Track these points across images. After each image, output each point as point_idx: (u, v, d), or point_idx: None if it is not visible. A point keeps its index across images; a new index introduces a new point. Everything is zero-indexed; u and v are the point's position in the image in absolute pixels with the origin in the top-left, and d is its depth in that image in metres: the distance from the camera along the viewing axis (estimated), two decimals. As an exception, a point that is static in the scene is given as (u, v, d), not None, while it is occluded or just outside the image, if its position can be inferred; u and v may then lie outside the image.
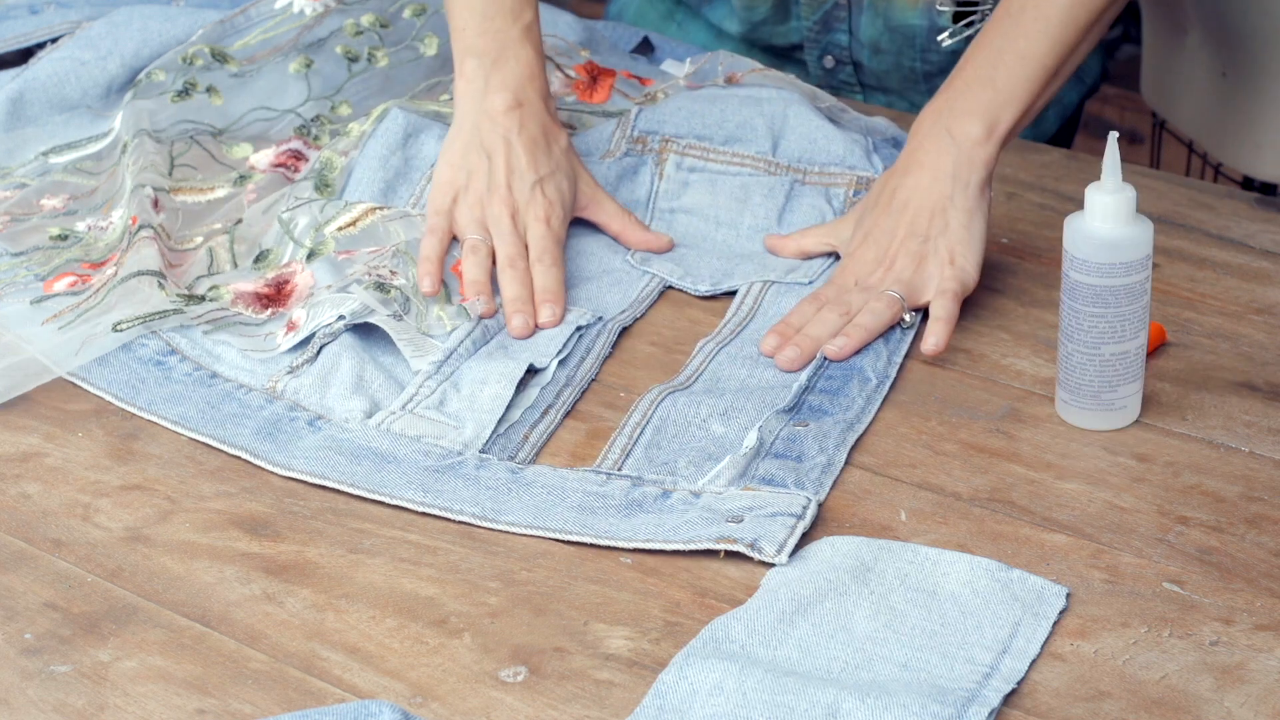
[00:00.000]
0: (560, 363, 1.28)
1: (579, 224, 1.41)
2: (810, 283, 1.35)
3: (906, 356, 1.29)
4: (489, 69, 1.38)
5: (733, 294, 1.35)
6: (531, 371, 1.26)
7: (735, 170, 1.43)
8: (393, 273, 1.31)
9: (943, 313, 1.28)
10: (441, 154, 1.39)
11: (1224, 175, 1.91)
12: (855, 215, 1.36)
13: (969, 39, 1.55)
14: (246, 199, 1.43)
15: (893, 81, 1.61)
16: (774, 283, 1.35)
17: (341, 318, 1.28)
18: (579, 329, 1.30)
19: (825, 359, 1.26)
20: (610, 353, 1.30)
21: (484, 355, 1.27)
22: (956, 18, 1.52)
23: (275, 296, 1.33)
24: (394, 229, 1.36)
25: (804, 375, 1.24)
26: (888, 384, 1.25)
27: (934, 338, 1.27)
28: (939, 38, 1.54)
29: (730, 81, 1.54)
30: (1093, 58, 1.70)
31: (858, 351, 1.26)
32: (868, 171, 1.44)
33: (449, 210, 1.37)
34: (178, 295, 1.31)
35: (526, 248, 1.36)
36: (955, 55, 1.60)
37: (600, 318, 1.32)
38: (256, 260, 1.37)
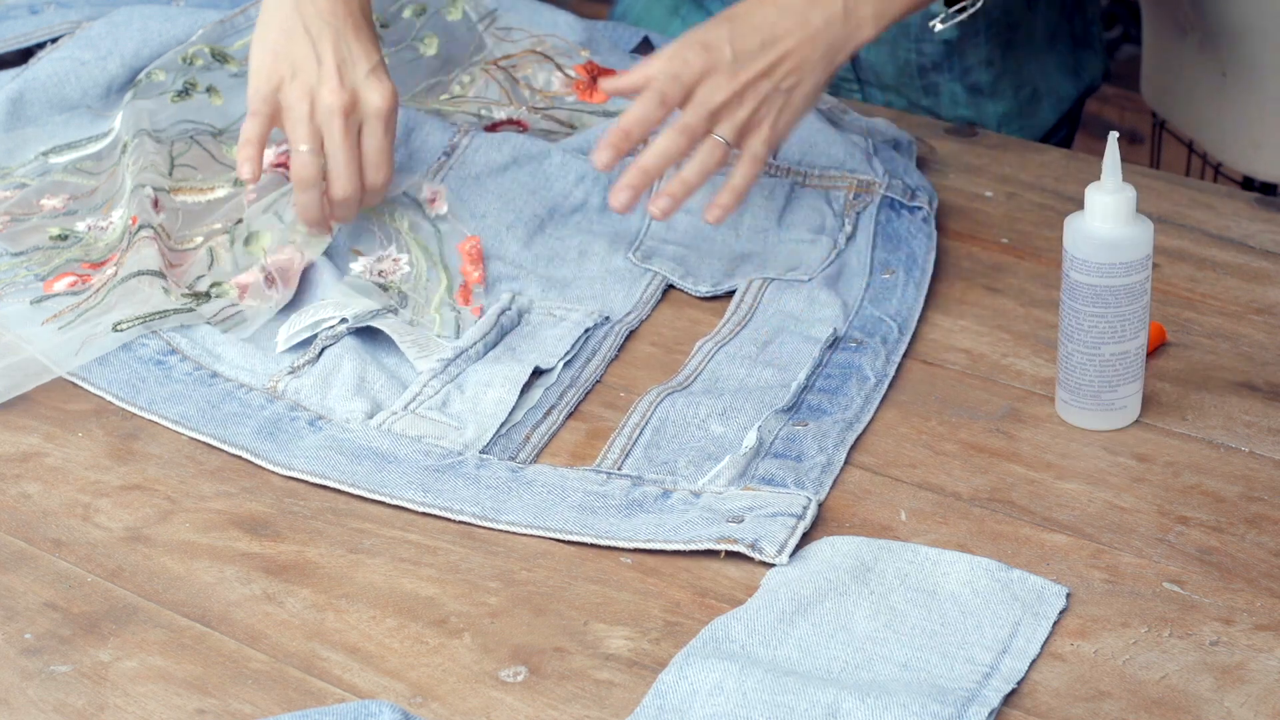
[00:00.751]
0: (565, 364, 1.28)
1: (580, 224, 1.41)
2: (809, 280, 1.35)
3: (906, 356, 1.29)
4: None
5: (732, 294, 1.35)
6: (537, 373, 1.26)
7: (735, 171, 1.43)
8: (395, 260, 1.31)
9: (741, 183, 1.30)
10: (255, 36, 1.33)
11: (1224, 175, 1.91)
12: (713, 21, 1.32)
13: (961, 24, 1.55)
14: (246, 199, 1.43)
15: (889, 75, 1.61)
16: (773, 280, 1.35)
17: (344, 320, 1.28)
18: (586, 330, 1.30)
19: (823, 358, 1.26)
20: (615, 355, 1.30)
21: (491, 359, 1.27)
22: (949, 2, 1.53)
23: (278, 279, 1.33)
24: (394, 211, 1.36)
25: (802, 375, 1.24)
26: (886, 383, 1.25)
27: (719, 210, 1.30)
28: (931, 23, 1.54)
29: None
30: (1094, 57, 1.70)
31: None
32: (868, 175, 1.44)
33: (272, 95, 1.32)
34: (184, 296, 1.31)
35: (359, 156, 1.33)
36: (949, 45, 1.61)
37: (607, 318, 1.32)
38: (246, 242, 1.37)
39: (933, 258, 1.37)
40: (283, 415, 1.22)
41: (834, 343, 1.28)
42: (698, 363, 1.28)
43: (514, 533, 1.13)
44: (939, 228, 1.43)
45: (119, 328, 1.28)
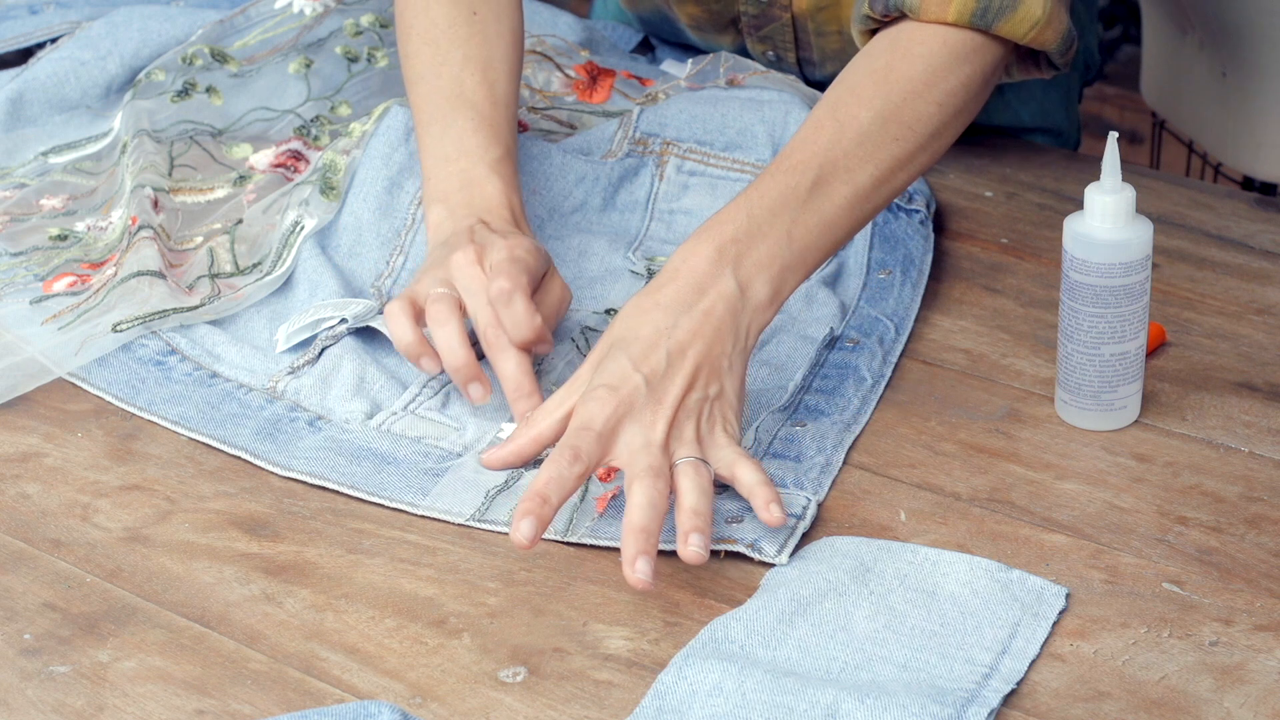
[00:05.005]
0: (567, 364, 1.27)
1: (580, 224, 1.41)
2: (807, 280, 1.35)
3: (905, 356, 1.29)
4: (454, 207, 1.29)
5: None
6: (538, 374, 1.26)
7: (735, 176, 1.43)
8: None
9: (762, 477, 1.11)
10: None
11: (1224, 175, 1.91)
12: (602, 348, 1.16)
13: None
14: (246, 199, 1.43)
15: None
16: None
17: (344, 321, 1.28)
18: (585, 330, 1.30)
19: (820, 358, 1.26)
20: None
21: None
22: None
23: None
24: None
25: (799, 375, 1.24)
26: (883, 383, 1.25)
27: (777, 509, 1.09)
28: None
29: (731, 84, 1.54)
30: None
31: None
32: None
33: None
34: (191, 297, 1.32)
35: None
36: None
37: (610, 310, 1.32)
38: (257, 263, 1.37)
39: (929, 258, 1.37)
40: (282, 416, 1.22)
41: (831, 343, 1.28)
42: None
43: (513, 533, 1.13)
44: (939, 228, 1.43)
45: (119, 328, 1.28)
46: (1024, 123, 1.60)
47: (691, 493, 1.09)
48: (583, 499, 1.14)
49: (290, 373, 1.26)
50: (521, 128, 1.51)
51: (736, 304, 1.16)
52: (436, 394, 1.24)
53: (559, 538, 1.12)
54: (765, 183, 1.20)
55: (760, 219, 1.18)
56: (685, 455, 1.11)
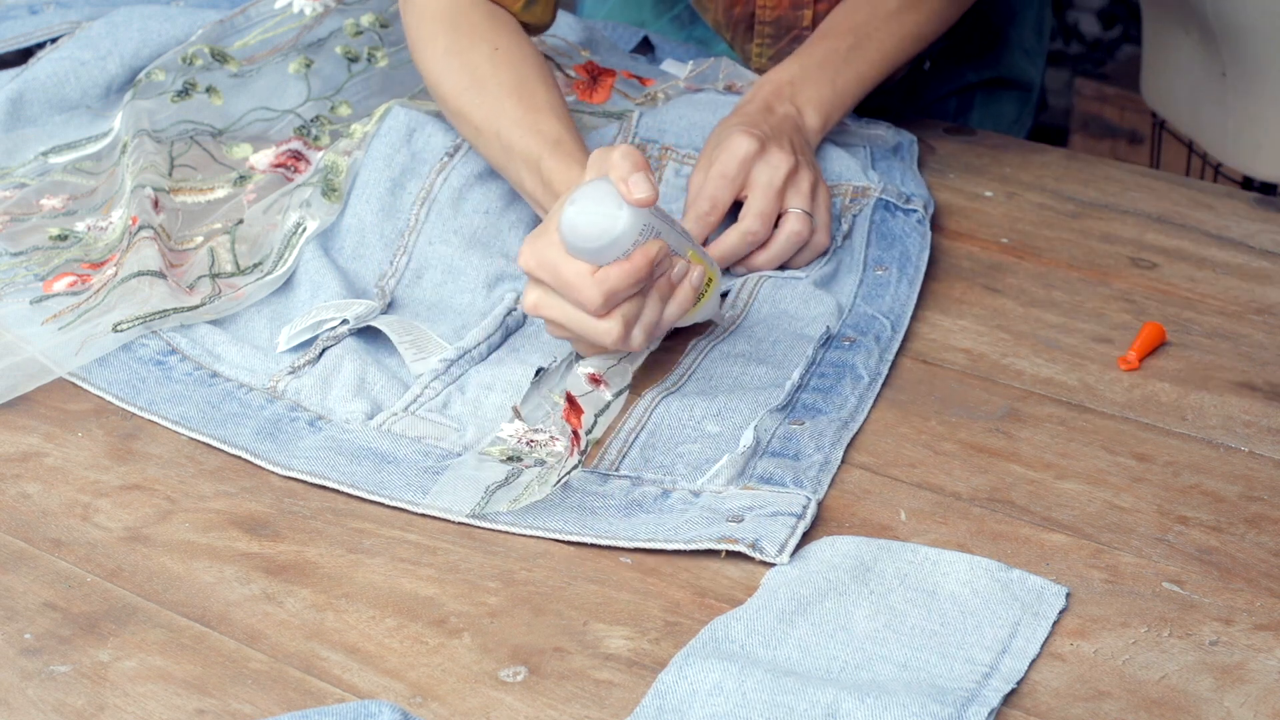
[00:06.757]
0: (568, 367, 1.27)
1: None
2: (805, 277, 1.35)
3: (905, 355, 1.29)
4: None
5: (728, 292, 1.35)
6: (539, 373, 1.26)
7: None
8: (531, 441, 1.20)
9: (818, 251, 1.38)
10: None
11: (1224, 175, 1.91)
12: (706, 151, 1.39)
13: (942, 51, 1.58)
14: (246, 199, 1.43)
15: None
16: (769, 277, 1.35)
17: (345, 322, 1.28)
18: None
19: (816, 356, 1.26)
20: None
21: (494, 360, 1.27)
22: None
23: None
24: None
25: (796, 374, 1.24)
26: (880, 381, 1.25)
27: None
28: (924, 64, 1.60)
29: (730, 90, 1.54)
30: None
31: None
32: (863, 182, 1.44)
33: None
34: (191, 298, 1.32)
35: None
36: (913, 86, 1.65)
37: None
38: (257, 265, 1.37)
39: (926, 255, 1.37)
40: (283, 416, 1.22)
41: (827, 340, 1.28)
42: (691, 360, 1.28)
43: (513, 533, 1.13)
44: (938, 228, 1.44)
45: (119, 328, 1.28)
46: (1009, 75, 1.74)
47: (781, 242, 1.36)
48: (509, 479, 1.14)
49: (291, 372, 1.26)
50: (522, 128, 1.51)
51: (797, 121, 1.42)
52: (438, 395, 1.24)
53: (559, 537, 1.12)
54: (814, 44, 1.48)
55: (809, 69, 1.45)
56: (796, 206, 1.36)
